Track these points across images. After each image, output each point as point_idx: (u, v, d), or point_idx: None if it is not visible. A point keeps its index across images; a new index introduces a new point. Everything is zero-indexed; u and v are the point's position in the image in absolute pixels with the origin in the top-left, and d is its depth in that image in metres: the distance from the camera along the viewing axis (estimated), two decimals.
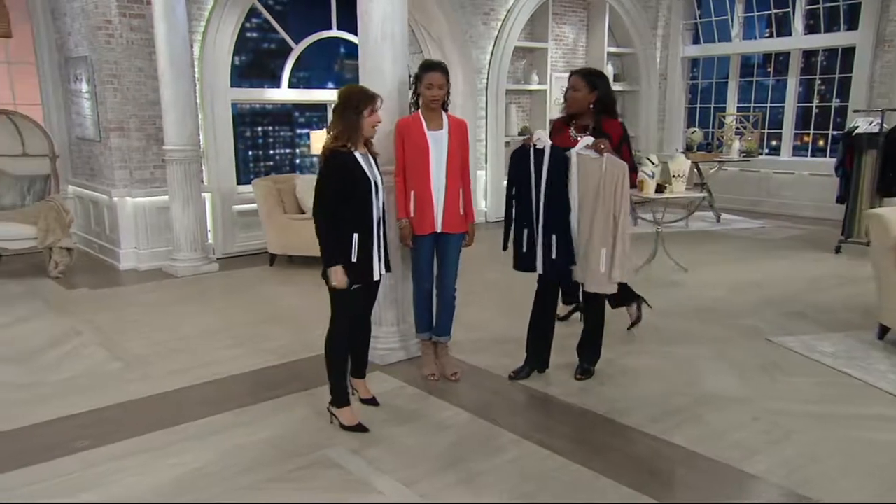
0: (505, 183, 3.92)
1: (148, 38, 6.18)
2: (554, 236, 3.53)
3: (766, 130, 9.79)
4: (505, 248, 3.77)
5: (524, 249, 3.66)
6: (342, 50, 9.31)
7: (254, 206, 6.86)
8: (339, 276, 3.06)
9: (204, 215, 6.49)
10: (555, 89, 9.46)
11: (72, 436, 3.13)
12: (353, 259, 3.09)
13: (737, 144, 9.03)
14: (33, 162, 6.37)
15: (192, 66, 6.27)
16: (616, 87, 10.20)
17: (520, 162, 3.59)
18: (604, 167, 3.42)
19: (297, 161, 9.85)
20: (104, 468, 2.87)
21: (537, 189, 3.52)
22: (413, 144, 3.59)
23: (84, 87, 6.46)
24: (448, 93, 3.61)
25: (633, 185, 3.66)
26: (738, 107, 10.14)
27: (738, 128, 9.61)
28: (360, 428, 3.20)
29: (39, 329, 4.71)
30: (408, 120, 3.68)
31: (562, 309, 4.55)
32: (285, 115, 9.68)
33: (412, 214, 3.63)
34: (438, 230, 3.65)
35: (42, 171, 6.36)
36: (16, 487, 2.72)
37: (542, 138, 3.49)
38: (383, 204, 3.23)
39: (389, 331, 4.09)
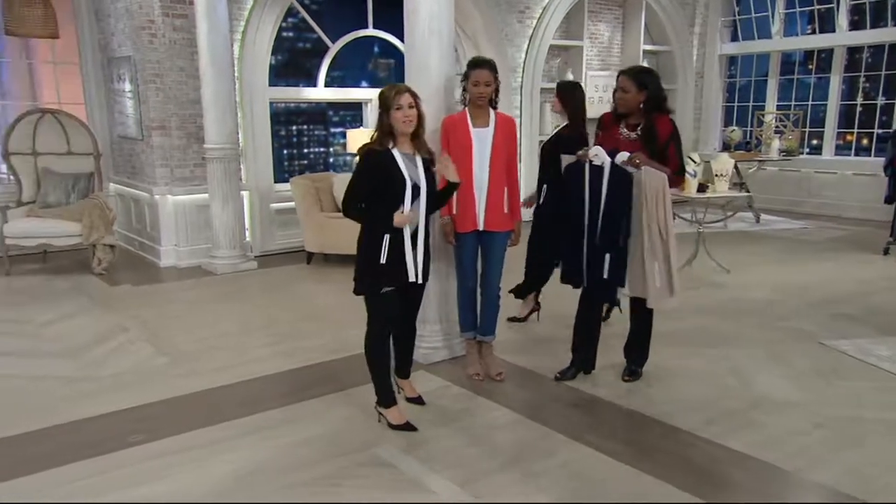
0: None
1: (190, 37, 6.26)
2: (607, 255, 3.45)
3: (806, 129, 9.58)
4: (558, 263, 3.71)
5: (571, 264, 3.60)
6: (376, 49, 9.34)
7: (291, 204, 6.91)
8: (401, 218, 3.00)
9: (242, 213, 6.55)
10: (589, 88, 9.37)
11: (125, 430, 3.17)
12: (382, 261, 3.04)
13: (776, 143, 8.84)
14: (78, 160, 6.49)
15: (232, 66, 6.33)
16: None
17: (574, 177, 3.52)
18: (642, 180, 3.35)
19: (332, 160, 9.90)
20: (160, 462, 2.90)
21: (593, 206, 3.45)
22: (457, 142, 3.57)
23: (127, 86, 6.57)
24: (497, 90, 3.58)
25: (678, 186, 3.61)
26: (777, 105, 9.94)
27: (777, 126, 9.42)
28: (408, 427, 3.19)
29: (86, 325, 4.79)
30: (454, 117, 3.67)
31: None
32: (320, 114, 9.74)
33: (454, 212, 3.61)
34: (480, 228, 3.62)
35: (86, 169, 6.47)
36: (75, 480, 2.76)
37: (600, 154, 3.41)
38: (427, 207, 3.12)
39: (433, 329, 4.08)
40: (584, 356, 3.80)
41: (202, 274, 6.27)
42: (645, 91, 3.37)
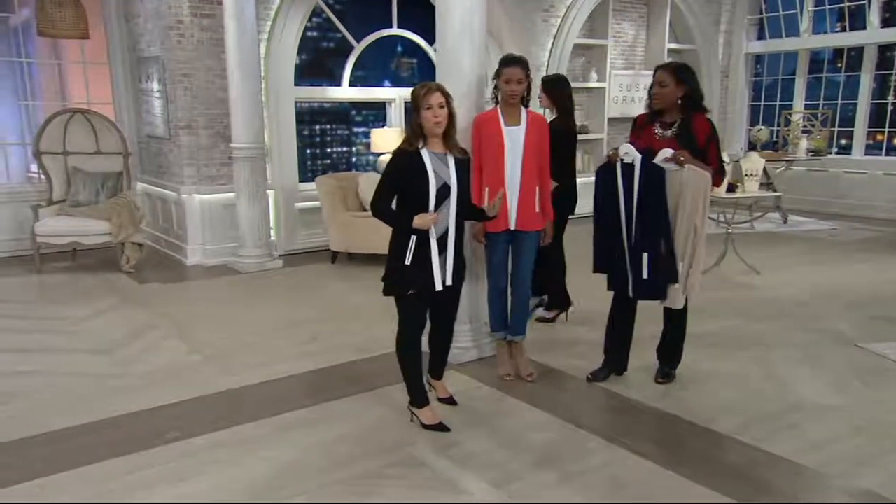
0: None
1: (217, 37, 6.31)
2: (644, 255, 3.41)
3: (835, 129, 9.43)
4: (596, 269, 3.62)
5: (616, 269, 3.56)
6: (399, 48, 9.34)
7: (315, 203, 6.95)
8: (424, 220, 2.95)
9: (268, 212, 6.59)
10: (613, 87, 9.31)
11: (162, 427, 3.20)
12: (407, 262, 3.00)
13: (804, 143, 8.72)
14: (107, 160, 6.57)
15: (259, 65, 6.37)
16: None
17: (605, 179, 3.49)
18: (684, 178, 3.31)
19: (354, 159, 9.92)
20: (199, 459, 2.92)
21: (627, 205, 3.41)
22: (489, 140, 3.55)
23: (155, 86, 6.63)
24: (528, 88, 3.56)
25: (719, 186, 3.56)
26: (805, 104, 9.80)
27: (805, 126, 9.29)
28: (441, 427, 3.18)
29: (118, 322, 4.85)
30: (486, 115, 3.65)
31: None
32: (342, 114, 9.75)
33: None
34: (512, 227, 3.60)
35: (115, 168, 6.55)
36: (116, 476, 2.79)
37: (630, 152, 3.37)
38: (458, 210, 3.07)
39: (462, 329, 4.05)
40: (616, 357, 3.77)
41: (228, 272, 6.31)
42: (684, 86, 3.33)
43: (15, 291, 5.63)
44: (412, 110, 3.05)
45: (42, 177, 6.55)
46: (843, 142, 9.58)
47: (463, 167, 3.09)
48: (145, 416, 3.34)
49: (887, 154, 9.22)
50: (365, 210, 6.51)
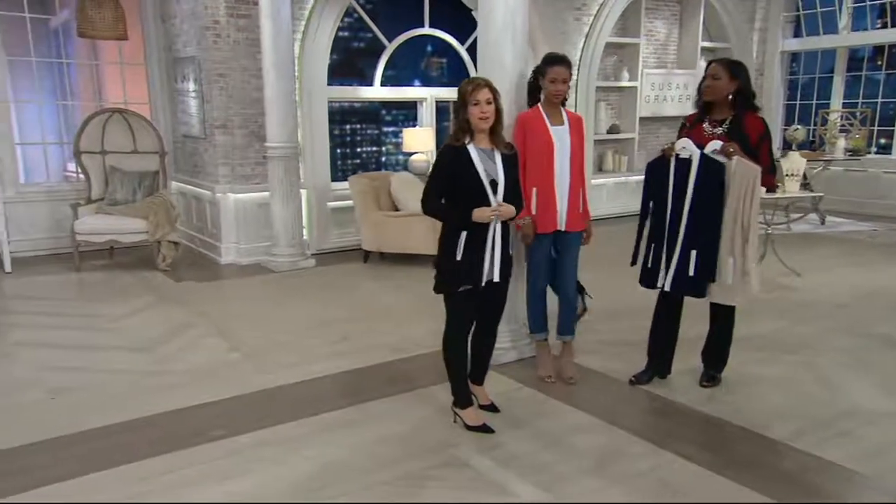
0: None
1: (252, 37, 6.35)
2: (694, 252, 3.34)
3: (874, 128, 9.20)
4: (633, 262, 3.60)
5: (650, 265, 3.51)
6: (429, 48, 9.32)
7: (346, 203, 6.96)
8: (483, 213, 2.93)
9: (301, 211, 6.61)
10: (645, 86, 9.19)
11: (206, 425, 3.21)
12: (458, 257, 2.99)
13: (842, 143, 8.51)
14: (144, 159, 6.64)
15: (293, 66, 6.39)
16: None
17: (657, 173, 3.43)
18: (732, 171, 3.23)
19: (384, 159, 9.93)
20: (242, 457, 2.92)
21: (678, 202, 3.34)
22: (536, 140, 3.50)
23: (191, 86, 6.69)
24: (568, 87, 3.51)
25: (771, 187, 3.47)
26: (843, 103, 9.58)
27: (843, 125, 9.08)
28: (484, 428, 3.15)
29: (156, 320, 4.89)
30: (529, 114, 3.61)
31: None
32: (373, 114, 9.76)
33: (534, 212, 3.54)
34: (562, 228, 3.55)
35: (151, 167, 6.62)
36: (162, 473, 2.80)
37: (688, 147, 3.30)
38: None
39: (500, 330, 3.99)
40: (660, 359, 3.70)
41: (262, 271, 6.34)
42: (736, 81, 3.26)
43: (55, 289, 5.71)
44: (459, 106, 3.01)
45: (80, 176, 6.65)
46: (883, 141, 9.34)
47: (509, 163, 3.07)
48: (187, 413, 3.35)
49: None
50: (397, 209, 6.49)
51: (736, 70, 3.27)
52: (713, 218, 3.29)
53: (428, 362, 3.98)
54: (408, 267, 6.33)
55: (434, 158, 3.12)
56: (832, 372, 3.82)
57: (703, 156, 3.26)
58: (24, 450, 3.00)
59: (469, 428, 3.15)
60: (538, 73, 3.58)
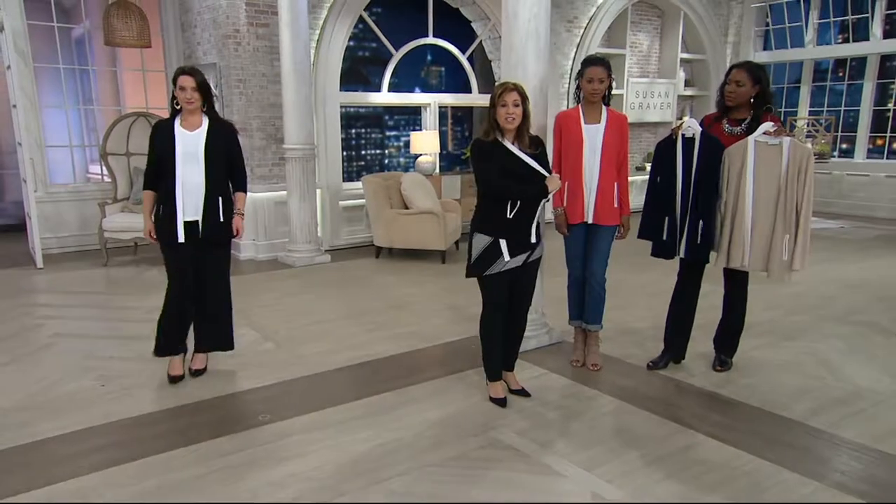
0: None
1: (271, 45, 6.19)
2: (701, 221, 3.32)
3: (838, 134, 9.30)
4: (641, 235, 3.54)
5: (664, 237, 3.45)
6: (429, 57, 9.22)
7: (357, 201, 6.85)
8: (554, 181, 3.01)
9: (316, 209, 6.47)
10: (630, 94, 9.18)
11: (252, 410, 3.08)
12: (509, 216, 2.97)
13: (809, 147, 8.58)
14: None
15: (310, 71, 6.24)
16: (686, 91, 9.86)
17: (665, 152, 3.39)
18: (786, 151, 3.17)
19: (386, 161, 9.81)
20: (295, 440, 2.80)
21: (686, 176, 3.31)
22: (569, 136, 3.45)
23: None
24: (610, 87, 3.43)
25: None
26: (809, 111, 9.66)
27: (809, 131, 9.16)
28: (501, 402, 3.16)
29: None
30: (568, 112, 3.56)
31: None
32: (376, 118, 9.65)
33: (565, 204, 3.48)
34: (589, 221, 3.48)
35: None
36: (217, 456, 2.67)
37: (692, 126, 3.29)
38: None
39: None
40: (676, 344, 3.64)
41: (280, 266, 6.19)
42: (759, 86, 3.21)
43: (86, 283, 5.50)
44: (490, 106, 3.02)
45: (104, 177, 6.43)
46: (845, 146, 9.44)
47: (536, 160, 3.05)
48: (230, 400, 3.23)
49: (888, 158, 9.08)
50: (407, 207, 6.38)
51: (758, 74, 3.22)
52: (713, 191, 3.30)
53: (459, 349, 3.90)
54: (418, 262, 6.23)
55: (471, 152, 3.06)
56: (834, 357, 3.80)
57: (703, 134, 3.26)
58: (82, 434, 2.85)
59: (491, 399, 3.19)
60: (579, 74, 3.51)
